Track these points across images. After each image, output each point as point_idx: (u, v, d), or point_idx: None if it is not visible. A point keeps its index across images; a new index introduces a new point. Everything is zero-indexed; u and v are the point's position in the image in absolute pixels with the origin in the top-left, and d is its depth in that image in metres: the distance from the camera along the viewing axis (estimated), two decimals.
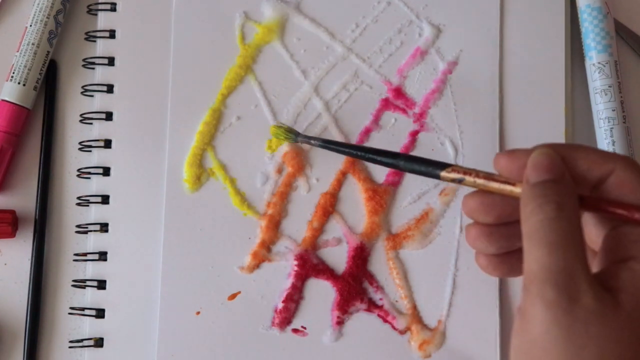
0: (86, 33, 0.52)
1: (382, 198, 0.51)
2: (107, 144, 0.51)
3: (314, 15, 0.52)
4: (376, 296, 0.50)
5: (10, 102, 0.50)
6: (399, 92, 0.52)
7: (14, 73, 0.50)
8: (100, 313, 0.49)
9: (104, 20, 0.52)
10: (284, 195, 0.51)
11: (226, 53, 0.51)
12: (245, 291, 0.50)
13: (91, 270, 0.50)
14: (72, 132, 0.51)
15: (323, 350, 0.49)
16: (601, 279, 0.33)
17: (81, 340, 0.49)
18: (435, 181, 0.51)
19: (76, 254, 0.50)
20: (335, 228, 0.51)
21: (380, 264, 0.50)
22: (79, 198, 0.50)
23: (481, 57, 0.52)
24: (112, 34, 0.52)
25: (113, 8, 0.52)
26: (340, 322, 0.50)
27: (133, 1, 0.52)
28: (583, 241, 0.34)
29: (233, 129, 0.51)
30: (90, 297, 0.49)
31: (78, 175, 0.51)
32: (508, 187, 0.37)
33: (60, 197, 0.51)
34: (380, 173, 0.51)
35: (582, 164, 0.36)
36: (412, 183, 0.51)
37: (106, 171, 0.50)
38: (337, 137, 0.51)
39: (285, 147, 0.51)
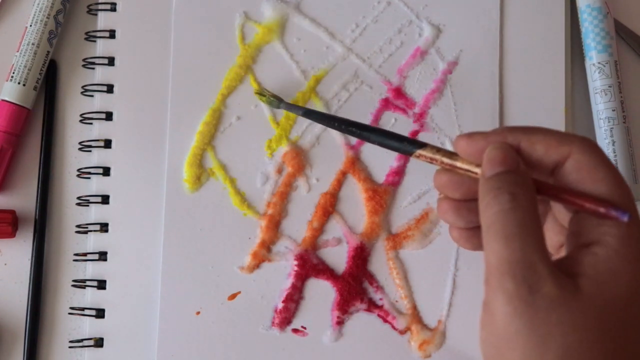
0: (86, 33, 0.52)
1: (382, 198, 0.51)
2: (107, 144, 0.51)
3: (314, 15, 0.52)
4: (376, 296, 0.50)
5: (10, 102, 0.50)
6: (399, 92, 0.52)
7: (14, 73, 0.50)
8: (100, 313, 0.49)
9: (104, 20, 0.52)
10: (284, 195, 0.51)
11: (226, 53, 0.51)
12: (245, 291, 0.50)
13: (91, 270, 0.50)
14: (72, 132, 0.51)
15: (323, 350, 0.49)
16: (564, 265, 0.33)
17: (81, 340, 0.49)
18: None
19: (76, 254, 0.50)
20: (335, 228, 0.51)
21: (380, 264, 0.50)
22: (79, 198, 0.50)
23: (481, 57, 0.52)
24: (112, 34, 0.51)
25: (113, 8, 0.52)
26: (340, 322, 0.50)
27: (133, 1, 0.52)
28: (540, 229, 0.34)
29: (233, 129, 0.51)
30: (90, 297, 0.49)
31: (78, 175, 0.51)
32: (473, 169, 0.37)
33: (60, 197, 0.51)
34: (381, 173, 0.51)
35: (539, 148, 0.35)
36: (412, 183, 0.51)
37: (106, 171, 0.50)
38: (337, 137, 0.51)
39: (285, 147, 0.51)
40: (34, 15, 0.50)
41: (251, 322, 0.49)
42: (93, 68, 0.52)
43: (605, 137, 0.51)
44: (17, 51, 0.50)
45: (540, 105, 0.52)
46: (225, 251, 0.50)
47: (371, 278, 0.50)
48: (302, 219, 0.51)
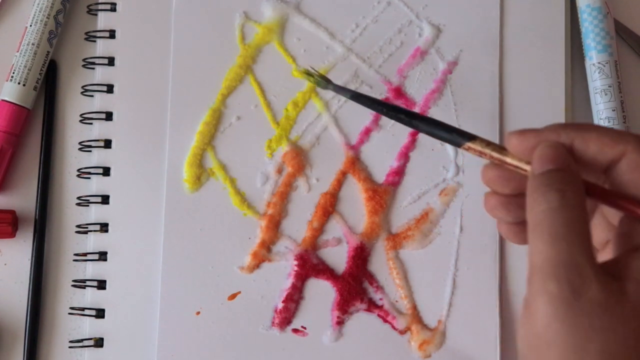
0: (86, 33, 0.52)
1: (382, 198, 0.51)
2: (107, 144, 0.51)
3: (314, 15, 0.52)
4: (376, 296, 0.50)
5: (10, 102, 0.50)
6: (399, 92, 0.52)
7: (14, 73, 0.50)
8: (100, 313, 0.49)
9: (104, 20, 0.52)
10: (284, 195, 0.51)
11: (226, 53, 0.51)
12: (245, 291, 0.50)
13: (91, 270, 0.50)
14: (72, 132, 0.51)
15: (323, 350, 0.49)
16: (611, 268, 0.33)
17: (81, 340, 0.49)
18: (436, 181, 0.51)
19: (76, 254, 0.50)
20: (335, 228, 0.51)
21: (380, 264, 0.50)
22: (79, 198, 0.50)
23: (481, 57, 0.52)
24: (112, 34, 0.51)
25: (113, 8, 0.52)
26: (340, 322, 0.50)
27: (133, 1, 0.52)
28: (588, 230, 0.33)
29: (233, 129, 0.51)
30: (90, 297, 0.49)
31: (78, 175, 0.51)
32: (522, 166, 0.36)
33: (60, 197, 0.51)
34: (381, 173, 0.51)
35: (592, 146, 0.34)
36: (413, 183, 0.51)
37: (106, 171, 0.50)
38: (337, 137, 0.51)
39: (285, 147, 0.51)
40: (34, 15, 0.50)
41: (251, 322, 0.49)
42: (93, 68, 0.52)
43: None
44: (17, 51, 0.50)
45: (540, 105, 0.52)
46: (225, 251, 0.50)
47: (371, 278, 0.50)
48: (302, 219, 0.51)
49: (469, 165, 0.51)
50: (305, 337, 0.50)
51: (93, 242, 0.50)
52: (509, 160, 0.37)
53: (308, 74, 0.49)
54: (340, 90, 0.49)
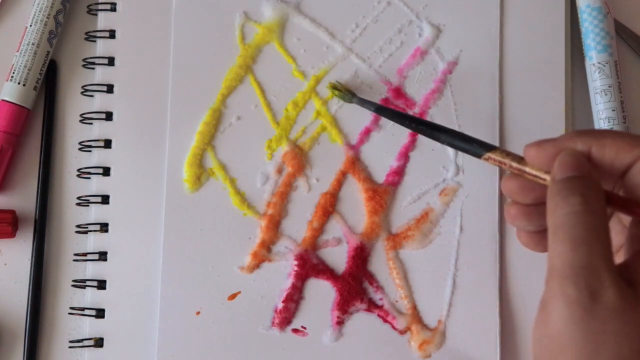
0: (86, 33, 0.52)
1: (382, 198, 0.51)
2: (107, 144, 0.51)
3: (314, 15, 0.52)
4: (376, 296, 0.50)
5: (10, 102, 0.50)
6: (399, 92, 0.52)
7: (14, 73, 0.50)
8: (100, 313, 0.49)
9: (104, 20, 0.52)
10: (284, 195, 0.51)
11: (226, 53, 0.51)
12: (245, 291, 0.50)
13: (91, 270, 0.50)
14: (72, 132, 0.51)
15: (323, 350, 0.49)
16: (624, 271, 0.33)
17: (81, 340, 0.49)
18: (436, 181, 0.51)
19: (76, 254, 0.50)
20: (335, 228, 0.51)
21: (380, 264, 0.50)
22: (79, 198, 0.50)
23: (481, 57, 0.52)
24: (112, 34, 0.51)
25: (113, 8, 0.52)
26: (340, 322, 0.50)
27: (133, 1, 0.52)
28: (608, 235, 0.33)
29: (233, 129, 0.51)
30: (90, 297, 0.49)
31: (78, 175, 0.51)
32: (541, 175, 0.37)
33: (60, 197, 0.51)
34: (381, 173, 0.51)
35: (609, 152, 0.35)
36: (413, 183, 0.51)
37: (106, 171, 0.50)
38: (337, 138, 0.51)
39: (285, 147, 0.51)
40: (34, 15, 0.50)
41: (251, 322, 0.49)
42: (93, 68, 0.52)
43: None
44: (17, 51, 0.50)
45: (540, 105, 0.52)
46: (225, 251, 0.50)
47: (371, 278, 0.50)
48: (302, 219, 0.51)
49: (469, 165, 0.51)
50: (305, 337, 0.50)
51: (93, 242, 0.50)
52: (528, 169, 0.37)
53: (335, 88, 0.50)
54: (365, 103, 0.50)
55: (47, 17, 0.50)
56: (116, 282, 0.49)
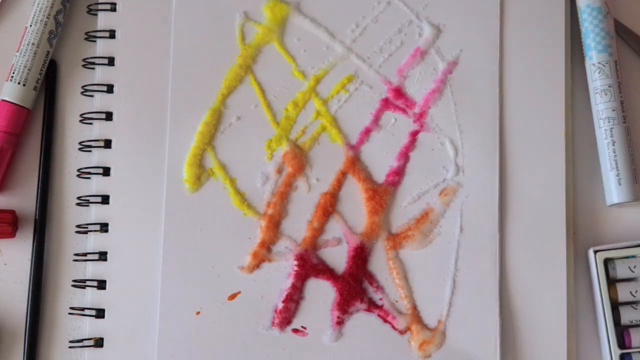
0: (86, 33, 0.52)
1: (382, 198, 0.51)
2: (107, 144, 0.51)
3: (314, 15, 0.52)
4: (376, 296, 0.50)
5: (10, 102, 0.50)
6: (399, 92, 0.52)
7: (14, 73, 0.50)
8: (100, 313, 0.49)
9: (104, 20, 0.52)
10: (284, 195, 0.51)
11: (226, 53, 0.51)
12: (245, 291, 0.50)
13: (91, 270, 0.50)
14: (72, 132, 0.51)
15: (323, 350, 0.49)
16: None
17: (81, 340, 0.49)
18: (436, 181, 0.51)
19: (76, 254, 0.50)
20: (335, 228, 0.51)
21: (380, 264, 0.50)
22: (79, 198, 0.50)
23: (481, 57, 0.52)
24: (112, 34, 0.51)
25: (113, 8, 0.52)
26: (340, 322, 0.50)
27: (133, 1, 0.52)
28: None
29: (233, 129, 0.51)
30: (90, 297, 0.49)
31: (78, 175, 0.51)
32: None
33: (60, 197, 0.51)
34: (381, 173, 0.51)
35: None
36: (413, 183, 0.51)
37: (106, 171, 0.50)
38: (337, 138, 0.51)
39: (285, 147, 0.51)
40: (34, 15, 0.50)
41: (251, 322, 0.49)
42: (93, 68, 0.52)
43: (605, 137, 0.51)
44: (17, 51, 0.50)
45: (540, 105, 0.52)
46: (225, 251, 0.50)
47: (371, 278, 0.50)
48: (302, 219, 0.51)
49: (469, 166, 0.51)
50: (305, 337, 0.50)
51: (93, 242, 0.50)
52: None
53: None
54: None
55: (47, 17, 0.50)
56: (116, 282, 0.49)
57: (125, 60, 0.51)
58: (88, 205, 0.50)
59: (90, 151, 0.51)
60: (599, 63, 0.52)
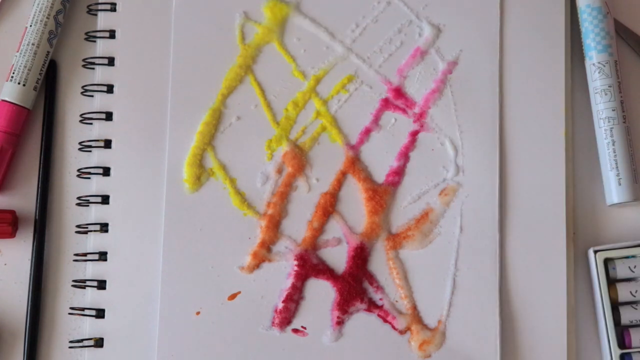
0: (86, 33, 0.52)
1: (382, 198, 0.51)
2: (107, 144, 0.51)
3: (314, 15, 0.52)
4: (376, 296, 0.50)
5: (10, 102, 0.50)
6: (399, 92, 0.52)
7: (14, 73, 0.50)
8: (100, 313, 0.49)
9: (104, 20, 0.52)
10: (284, 195, 0.51)
11: (226, 53, 0.51)
12: (245, 291, 0.50)
13: (91, 270, 0.50)
14: (72, 132, 0.51)
15: (323, 350, 0.49)
16: None
17: (81, 340, 0.49)
18: (436, 181, 0.51)
19: (76, 254, 0.50)
20: (335, 228, 0.51)
21: (380, 264, 0.50)
22: (79, 198, 0.50)
23: (481, 57, 0.52)
24: (112, 34, 0.52)
25: (113, 8, 0.52)
26: (340, 322, 0.50)
27: (133, 1, 0.52)
28: None
29: (233, 129, 0.51)
30: (90, 297, 0.49)
31: (78, 175, 0.51)
32: None
33: (60, 197, 0.51)
34: (381, 173, 0.51)
35: None
36: (413, 183, 0.51)
37: (106, 171, 0.50)
38: (337, 138, 0.51)
39: (285, 147, 0.51)
40: (34, 15, 0.50)
41: (251, 322, 0.49)
42: (93, 68, 0.52)
43: (605, 137, 0.51)
44: (17, 51, 0.50)
45: (540, 105, 0.52)
46: (225, 251, 0.50)
47: (371, 278, 0.50)
48: (302, 219, 0.51)
49: (469, 165, 0.51)
50: (305, 337, 0.50)
51: (93, 242, 0.50)
52: None
53: None
54: None
55: (47, 17, 0.50)
56: (116, 282, 0.49)
57: (125, 60, 0.51)
58: (88, 205, 0.50)
59: (90, 151, 0.51)
60: (599, 63, 0.52)
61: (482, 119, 0.52)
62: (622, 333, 0.50)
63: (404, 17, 0.52)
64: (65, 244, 0.50)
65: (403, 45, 0.52)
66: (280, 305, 0.50)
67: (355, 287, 0.50)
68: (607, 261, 0.50)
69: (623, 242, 0.51)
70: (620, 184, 0.50)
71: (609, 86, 0.51)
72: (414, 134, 0.51)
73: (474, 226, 0.51)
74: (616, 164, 0.50)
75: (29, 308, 0.49)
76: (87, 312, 0.49)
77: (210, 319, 0.49)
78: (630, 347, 0.49)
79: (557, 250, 0.50)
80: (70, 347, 0.49)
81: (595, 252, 0.50)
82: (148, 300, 0.49)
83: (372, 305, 0.50)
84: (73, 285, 0.50)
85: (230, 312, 0.49)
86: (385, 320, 0.50)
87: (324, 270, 0.50)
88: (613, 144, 0.51)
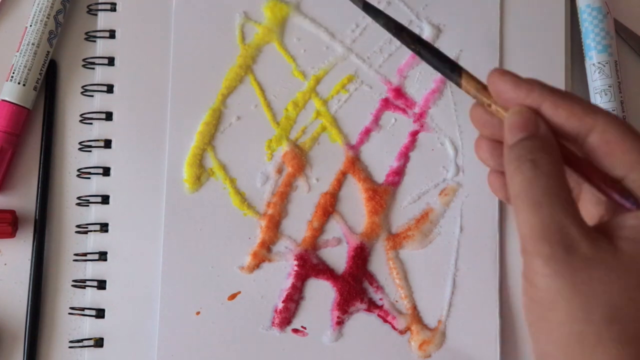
0: (86, 33, 0.52)
1: (382, 198, 0.51)
2: (107, 144, 0.51)
3: (314, 15, 0.52)
4: (376, 296, 0.50)
5: (10, 102, 0.50)
6: (399, 92, 0.52)
7: (14, 73, 0.50)
8: (100, 313, 0.49)
9: (104, 20, 0.52)
10: (284, 195, 0.51)
11: (226, 53, 0.51)
12: (245, 291, 0.50)
13: (91, 270, 0.50)
14: (72, 132, 0.51)
15: (323, 350, 0.49)
16: (604, 228, 0.33)
17: (81, 340, 0.49)
18: (436, 181, 0.51)
19: (76, 254, 0.50)
20: (335, 228, 0.51)
21: (380, 264, 0.50)
22: (79, 198, 0.50)
23: (481, 57, 0.52)
24: (112, 34, 0.51)
25: (113, 8, 0.52)
26: (340, 322, 0.50)
27: (133, 1, 0.52)
28: (568, 193, 0.33)
29: (233, 129, 0.51)
30: (90, 297, 0.49)
31: (78, 175, 0.51)
32: (502, 112, 0.36)
33: (60, 197, 0.51)
34: (381, 173, 0.51)
35: (562, 113, 0.35)
36: (412, 183, 0.51)
37: (106, 171, 0.50)
38: (337, 138, 0.51)
39: (285, 147, 0.51)
40: (34, 15, 0.50)
41: (251, 322, 0.49)
42: (93, 68, 0.52)
43: None
44: (17, 51, 0.50)
45: None
46: (225, 251, 0.50)
47: (371, 278, 0.50)
48: (302, 219, 0.51)
49: (469, 165, 0.51)
50: (305, 337, 0.50)
51: (93, 242, 0.50)
52: (493, 106, 0.37)
53: None
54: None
55: (47, 17, 0.50)
56: (116, 282, 0.49)
57: (125, 60, 0.51)
58: (88, 205, 0.50)
59: (90, 151, 0.51)
60: (599, 63, 0.52)
61: None
62: None
63: (404, 17, 0.52)
64: (65, 244, 0.50)
65: (403, 46, 0.52)
66: (280, 305, 0.50)
67: (355, 287, 0.50)
68: None
69: None
70: None
71: (609, 86, 0.51)
72: (414, 134, 0.51)
73: (474, 226, 0.51)
74: None
75: (29, 308, 0.49)
76: (87, 312, 0.49)
77: (210, 319, 0.49)
78: None
79: None
80: (70, 347, 0.49)
81: None
82: (148, 300, 0.49)
83: (372, 305, 0.50)
84: (73, 285, 0.50)
85: (230, 312, 0.49)
86: (385, 320, 0.50)
87: (324, 270, 0.50)
88: None
